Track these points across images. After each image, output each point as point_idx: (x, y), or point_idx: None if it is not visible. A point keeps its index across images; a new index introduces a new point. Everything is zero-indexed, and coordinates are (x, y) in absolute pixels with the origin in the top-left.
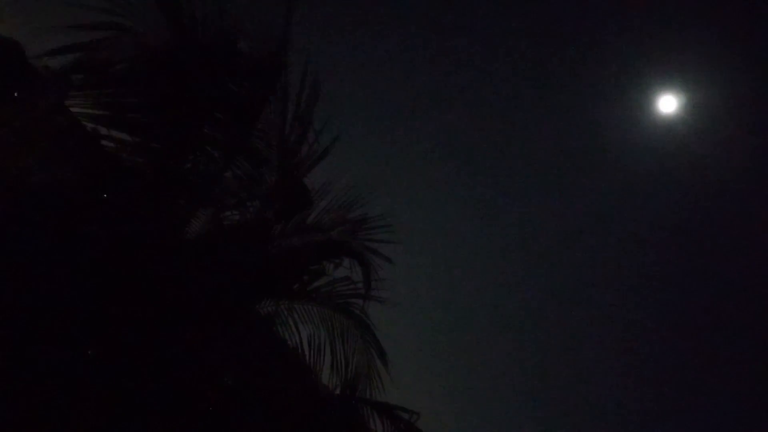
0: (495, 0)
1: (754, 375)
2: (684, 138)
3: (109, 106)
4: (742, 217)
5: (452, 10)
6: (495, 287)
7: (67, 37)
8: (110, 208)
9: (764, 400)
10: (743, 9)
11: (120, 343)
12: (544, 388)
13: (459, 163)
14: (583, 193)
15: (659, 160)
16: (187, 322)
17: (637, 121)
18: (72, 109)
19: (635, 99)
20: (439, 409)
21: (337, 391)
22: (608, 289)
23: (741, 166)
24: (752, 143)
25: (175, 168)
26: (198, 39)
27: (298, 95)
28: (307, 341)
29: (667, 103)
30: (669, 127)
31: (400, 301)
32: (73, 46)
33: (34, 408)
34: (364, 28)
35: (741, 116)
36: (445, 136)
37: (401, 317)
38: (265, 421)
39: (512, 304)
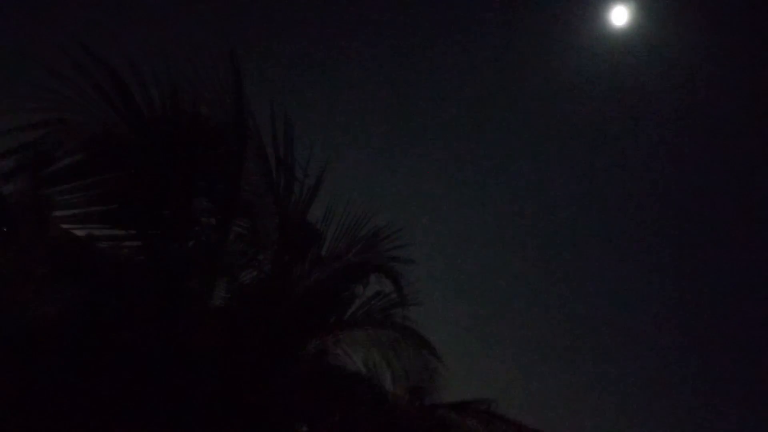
0: None
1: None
2: (639, 51)
3: (84, 203)
4: (696, 132)
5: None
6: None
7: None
8: (127, 311)
9: None
10: None
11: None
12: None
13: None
14: (533, 121)
15: (614, 76)
16: (242, 384)
17: (589, 36)
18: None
19: (586, 12)
20: (506, 387)
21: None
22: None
23: (696, 78)
24: (706, 53)
25: (177, 249)
26: (155, 117)
27: (274, 138)
28: (363, 364)
29: (620, 15)
30: (623, 40)
31: (436, 295)
32: (20, 146)
33: None
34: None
35: (695, 24)
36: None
37: (441, 309)
38: None
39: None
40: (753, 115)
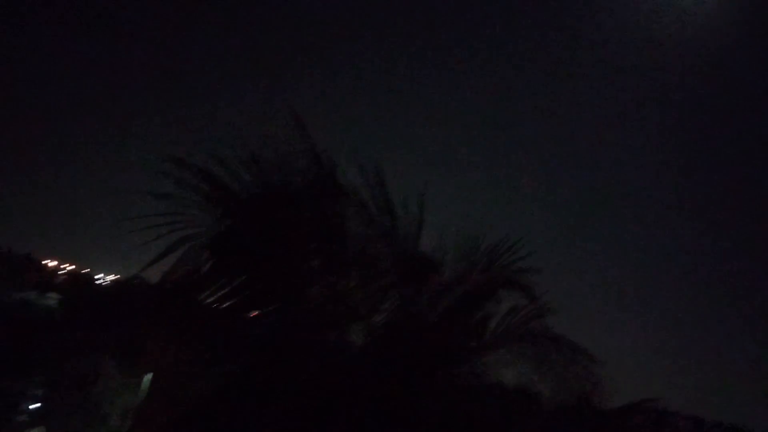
0: None
1: None
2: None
3: (225, 297)
4: None
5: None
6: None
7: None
8: (279, 374)
9: None
10: None
11: None
12: None
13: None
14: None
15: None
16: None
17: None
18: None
19: None
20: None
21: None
22: None
23: None
24: None
25: (309, 309)
26: (255, 202)
27: (370, 187)
28: (516, 380)
29: None
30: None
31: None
32: (168, 272)
33: None
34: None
35: None
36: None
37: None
38: None
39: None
40: None
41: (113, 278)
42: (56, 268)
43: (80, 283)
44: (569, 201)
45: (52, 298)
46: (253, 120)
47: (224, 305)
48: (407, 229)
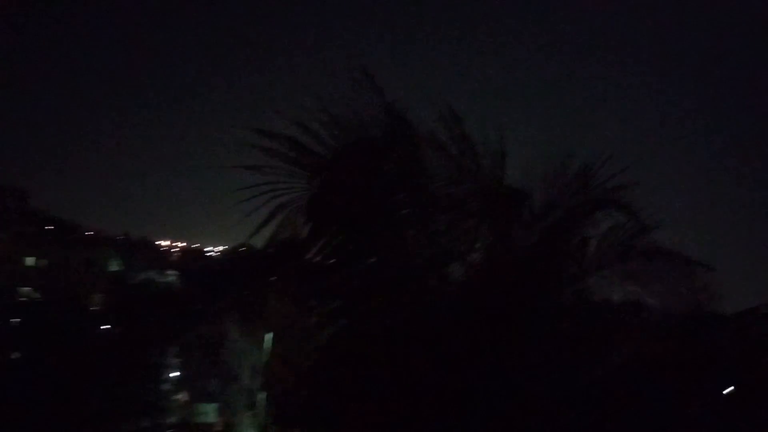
0: None
1: None
2: None
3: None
4: None
5: None
6: None
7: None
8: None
9: None
10: None
11: None
12: None
13: None
14: None
15: None
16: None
17: None
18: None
19: None
20: None
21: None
22: None
23: None
24: None
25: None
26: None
27: (448, 127)
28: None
29: None
30: None
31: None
32: (269, 242)
33: None
34: None
35: None
36: None
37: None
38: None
39: None
40: None
41: (221, 249)
42: (170, 247)
43: (193, 257)
44: (659, 106)
45: (171, 274)
46: (325, 81)
47: (328, 263)
48: (490, 164)
